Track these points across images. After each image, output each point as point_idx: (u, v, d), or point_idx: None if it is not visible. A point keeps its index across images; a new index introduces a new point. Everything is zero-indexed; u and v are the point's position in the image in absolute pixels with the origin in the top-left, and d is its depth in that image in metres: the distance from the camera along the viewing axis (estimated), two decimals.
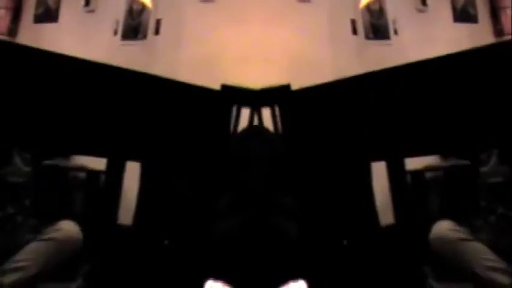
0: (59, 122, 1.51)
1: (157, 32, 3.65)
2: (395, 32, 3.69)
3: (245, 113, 2.26)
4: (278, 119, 2.21)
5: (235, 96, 2.17)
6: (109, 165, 1.63)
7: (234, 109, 2.18)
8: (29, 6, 3.90)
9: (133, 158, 1.73)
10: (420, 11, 3.83)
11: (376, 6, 3.71)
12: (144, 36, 3.67)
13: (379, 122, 1.74)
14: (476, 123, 1.52)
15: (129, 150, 1.72)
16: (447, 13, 3.78)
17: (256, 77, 2.74)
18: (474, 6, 3.80)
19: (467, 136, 1.58)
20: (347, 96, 1.89)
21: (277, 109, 2.21)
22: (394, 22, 3.71)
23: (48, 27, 3.83)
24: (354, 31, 3.60)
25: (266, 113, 2.30)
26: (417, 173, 2.76)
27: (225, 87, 2.11)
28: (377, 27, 3.67)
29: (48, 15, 3.87)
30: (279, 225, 1.68)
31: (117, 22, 3.73)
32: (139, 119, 1.69)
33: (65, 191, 2.23)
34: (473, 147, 1.73)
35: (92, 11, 3.83)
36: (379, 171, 2.17)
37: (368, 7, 3.69)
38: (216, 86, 2.14)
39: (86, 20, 3.81)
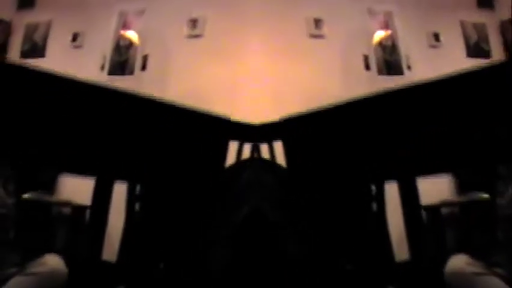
0: (48, 139, 1.48)
1: (143, 67, 3.69)
2: (408, 68, 3.70)
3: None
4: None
5: (232, 130, 2.15)
6: (97, 185, 1.59)
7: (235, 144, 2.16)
8: (16, 42, 3.97)
9: (122, 178, 1.68)
10: (433, 46, 3.85)
11: (389, 42, 3.74)
12: (131, 72, 3.70)
13: (387, 141, 1.72)
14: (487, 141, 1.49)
15: (119, 170, 1.68)
16: (460, 48, 3.79)
17: (246, 112, 2.71)
18: (487, 41, 3.80)
19: (478, 154, 1.55)
20: (348, 120, 1.88)
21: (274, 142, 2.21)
22: (407, 58, 3.72)
23: (35, 62, 3.75)
24: (367, 66, 3.63)
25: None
26: (433, 208, 2.71)
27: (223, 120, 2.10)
28: (390, 63, 3.69)
29: (35, 50, 3.92)
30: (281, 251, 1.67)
31: (104, 57, 3.77)
32: (133, 141, 1.66)
33: (49, 226, 2.18)
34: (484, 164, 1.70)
35: (79, 47, 3.88)
36: (394, 207, 2.13)
37: (380, 43, 3.72)
38: None
39: (73, 55, 3.86)
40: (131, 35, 3.78)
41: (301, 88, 3.34)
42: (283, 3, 3.57)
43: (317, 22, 3.57)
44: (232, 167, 2.07)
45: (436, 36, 3.85)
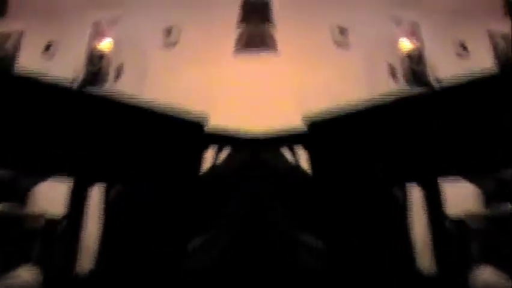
0: (26, 142, 1.46)
1: (118, 76, 3.64)
2: (435, 78, 3.66)
3: None
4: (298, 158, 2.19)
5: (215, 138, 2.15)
6: (74, 186, 1.57)
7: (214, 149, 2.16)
8: None
9: (99, 180, 1.65)
10: (460, 55, 3.80)
11: (415, 51, 3.70)
12: (105, 81, 3.65)
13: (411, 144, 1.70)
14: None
15: (96, 173, 1.67)
16: (487, 57, 3.73)
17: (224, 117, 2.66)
18: None
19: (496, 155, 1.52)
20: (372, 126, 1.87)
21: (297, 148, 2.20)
22: (433, 67, 3.68)
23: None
24: (392, 75, 3.59)
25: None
26: (459, 221, 2.66)
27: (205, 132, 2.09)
28: (416, 72, 3.65)
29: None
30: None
31: (78, 67, 3.70)
32: (111, 145, 1.65)
33: (23, 238, 2.14)
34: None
35: (52, 56, 3.80)
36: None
37: (406, 52, 3.68)
38: None
39: (46, 65, 3.75)
40: (106, 44, 3.73)
41: (325, 95, 3.30)
42: (308, 11, 3.56)
43: (342, 30, 3.56)
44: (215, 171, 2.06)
45: (463, 45, 3.80)
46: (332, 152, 1.97)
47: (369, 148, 1.80)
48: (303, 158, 2.25)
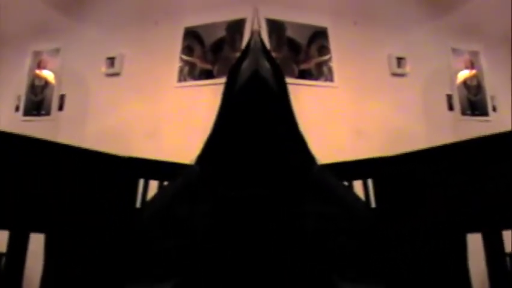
0: None
1: (61, 107, 3.60)
2: (494, 109, 3.60)
3: None
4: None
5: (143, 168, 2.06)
6: (11, 238, 1.46)
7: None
8: None
9: (37, 230, 1.50)
10: None
11: (474, 82, 3.65)
12: (47, 112, 3.61)
13: (475, 192, 1.69)
14: None
15: (33, 221, 1.55)
16: None
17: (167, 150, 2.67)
18: None
19: None
20: (438, 167, 1.86)
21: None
22: (493, 98, 3.63)
23: None
24: (450, 107, 3.56)
25: None
26: None
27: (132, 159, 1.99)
28: (475, 103, 3.61)
29: None
30: None
31: (19, 98, 3.69)
32: (42, 188, 1.58)
33: None
34: None
35: None
36: (476, 251, 2.06)
37: (465, 82, 3.64)
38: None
39: None
40: (47, 74, 3.73)
41: (382, 126, 3.31)
42: (366, 41, 3.58)
43: (400, 60, 3.57)
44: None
45: None
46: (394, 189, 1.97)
47: (434, 190, 1.80)
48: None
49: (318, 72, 3.44)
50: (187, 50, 3.53)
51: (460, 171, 1.73)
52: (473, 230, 1.80)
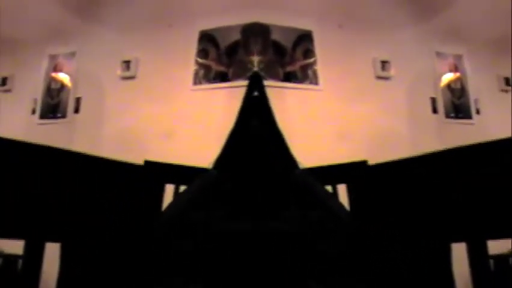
0: None
1: (76, 110, 3.62)
2: (477, 112, 3.63)
3: None
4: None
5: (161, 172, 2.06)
6: (27, 247, 1.43)
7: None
8: None
9: (53, 239, 1.51)
10: (504, 90, 3.77)
11: (457, 85, 3.68)
12: (63, 115, 3.63)
13: (459, 200, 1.69)
14: None
15: (48, 230, 1.53)
16: None
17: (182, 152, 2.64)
18: None
19: None
20: (425, 173, 1.85)
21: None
22: (476, 101, 3.66)
23: None
24: (434, 110, 3.57)
25: None
26: (501, 258, 2.61)
27: (149, 163, 2.00)
28: (458, 106, 3.63)
29: None
30: None
31: (35, 101, 3.71)
32: (59, 198, 1.52)
33: None
34: None
35: (8, 91, 3.84)
36: (459, 254, 2.06)
37: (449, 86, 3.66)
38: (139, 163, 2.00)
39: (3, 100, 3.79)
40: (63, 77, 3.76)
41: (367, 129, 3.32)
42: (351, 44, 3.60)
43: (384, 64, 3.58)
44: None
45: (507, 80, 3.78)
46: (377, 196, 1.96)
47: (417, 198, 1.79)
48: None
49: (303, 75, 3.44)
50: (203, 53, 3.56)
51: (442, 180, 1.73)
52: (457, 240, 1.81)
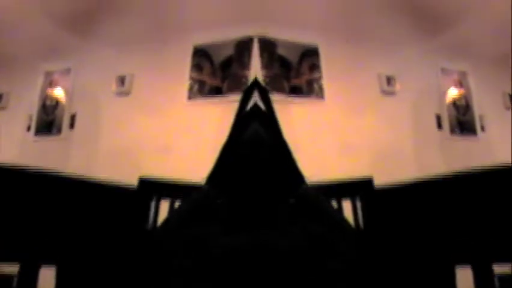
0: None
1: (72, 126, 3.63)
2: (482, 129, 3.63)
3: None
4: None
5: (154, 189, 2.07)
6: (22, 270, 1.43)
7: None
8: None
9: (48, 262, 1.51)
10: (509, 107, 3.78)
11: (462, 102, 3.69)
12: (59, 131, 3.63)
13: (465, 224, 1.68)
14: None
15: (43, 253, 1.52)
16: None
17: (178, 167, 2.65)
18: None
19: None
20: (432, 197, 1.85)
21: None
22: (481, 118, 3.66)
23: None
24: (439, 125, 3.58)
25: None
26: (506, 278, 2.59)
27: (143, 181, 2.01)
28: (463, 123, 3.64)
29: None
30: None
31: (30, 117, 3.72)
32: (52, 221, 1.53)
33: None
34: None
35: (3, 108, 3.86)
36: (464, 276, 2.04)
37: (453, 102, 3.68)
38: (134, 178, 2.02)
39: None
40: (58, 93, 3.77)
41: (371, 144, 3.33)
42: (357, 59, 3.62)
43: (389, 79, 3.60)
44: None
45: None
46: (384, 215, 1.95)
47: (424, 221, 1.78)
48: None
49: (309, 89, 3.46)
50: (197, 68, 3.56)
51: (449, 204, 1.73)
52: (463, 262, 1.80)
